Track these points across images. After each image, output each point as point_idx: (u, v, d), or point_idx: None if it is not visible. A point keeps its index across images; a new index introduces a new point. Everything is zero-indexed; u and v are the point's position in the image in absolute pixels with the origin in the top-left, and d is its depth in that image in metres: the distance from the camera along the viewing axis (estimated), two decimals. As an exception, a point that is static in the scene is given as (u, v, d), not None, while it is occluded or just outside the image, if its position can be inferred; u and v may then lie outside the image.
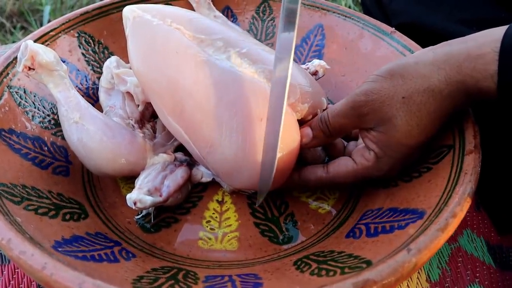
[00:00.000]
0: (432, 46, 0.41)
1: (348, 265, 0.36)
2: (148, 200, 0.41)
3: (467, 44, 0.37)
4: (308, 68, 0.52)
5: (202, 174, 0.47)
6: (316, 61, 0.52)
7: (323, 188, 0.49)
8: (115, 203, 0.48)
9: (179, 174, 0.45)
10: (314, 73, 0.52)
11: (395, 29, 0.56)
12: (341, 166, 0.43)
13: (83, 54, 0.58)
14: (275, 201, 0.48)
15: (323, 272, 0.36)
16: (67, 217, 0.42)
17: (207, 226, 0.46)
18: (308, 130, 0.44)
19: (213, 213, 0.47)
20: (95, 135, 0.44)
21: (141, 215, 0.46)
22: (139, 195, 0.41)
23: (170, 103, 0.43)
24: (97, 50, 0.59)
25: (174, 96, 0.43)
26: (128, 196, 0.41)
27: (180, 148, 0.50)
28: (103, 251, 0.39)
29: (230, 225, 0.46)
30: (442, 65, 0.37)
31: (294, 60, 0.52)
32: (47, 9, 1.23)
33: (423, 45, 0.53)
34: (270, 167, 0.40)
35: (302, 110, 0.44)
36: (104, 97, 0.52)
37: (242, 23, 0.63)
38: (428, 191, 0.40)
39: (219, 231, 0.46)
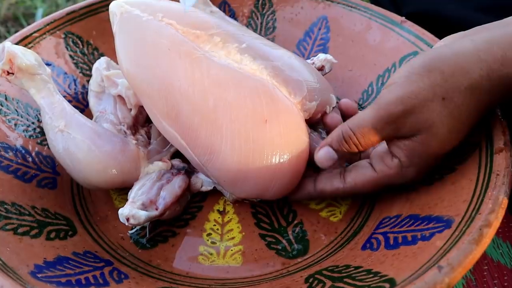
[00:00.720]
0: (463, 32, 0.36)
1: (368, 283, 0.31)
2: (143, 215, 0.36)
3: (509, 27, 0.32)
4: (313, 63, 0.47)
5: (202, 182, 0.43)
6: (322, 55, 0.48)
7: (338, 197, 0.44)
8: (107, 217, 0.43)
9: (177, 184, 0.41)
10: (320, 68, 0.47)
11: (406, 18, 0.51)
12: (359, 175, 0.38)
13: (71, 56, 0.53)
14: (282, 210, 0.43)
15: (340, 293, 0.31)
16: (52, 235, 0.37)
17: (208, 240, 0.41)
18: (330, 152, 0.37)
19: (214, 225, 0.43)
20: (82, 144, 0.40)
21: (135, 229, 0.42)
22: (132, 210, 0.36)
23: (164, 106, 0.38)
24: (86, 51, 0.54)
25: (168, 98, 0.38)
26: (120, 211, 0.37)
27: (178, 154, 0.46)
28: (92, 273, 0.34)
29: (233, 238, 0.41)
30: (483, 55, 0.32)
31: (297, 55, 0.47)
32: (40, 12, 1.18)
33: (438, 35, 0.48)
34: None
35: (310, 108, 0.40)
36: (94, 101, 0.48)
37: (240, 18, 0.59)
38: (454, 196, 0.35)
39: (221, 245, 0.41)
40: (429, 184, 0.39)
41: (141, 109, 0.46)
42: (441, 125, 0.33)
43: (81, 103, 0.52)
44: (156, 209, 0.38)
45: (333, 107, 0.43)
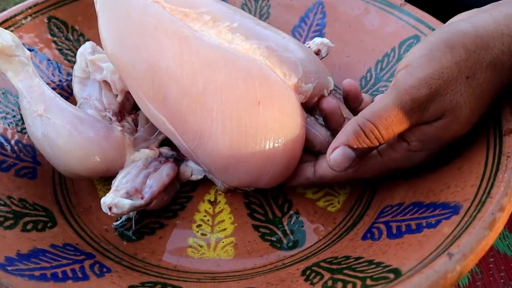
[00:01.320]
0: (478, 9, 0.33)
1: (370, 275, 0.28)
2: (126, 204, 0.33)
3: None
4: (309, 47, 0.45)
5: (192, 170, 0.40)
6: (318, 39, 0.45)
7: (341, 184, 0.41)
8: (90, 208, 0.40)
9: (164, 172, 0.38)
10: (317, 53, 0.44)
11: (405, 1, 0.49)
12: (365, 159, 0.35)
13: (54, 42, 0.50)
14: (277, 199, 0.41)
15: (340, 285, 0.28)
16: (29, 226, 0.34)
17: (198, 231, 0.38)
18: (347, 152, 0.32)
19: (205, 216, 0.40)
20: (62, 130, 0.37)
21: (120, 221, 0.39)
22: (115, 199, 0.33)
23: (150, 88, 0.36)
24: (71, 37, 0.51)
25: (154, 79, 0.35)
26: (102, 200, 0.34)
27: (166, 142, 0.43)
28: (70, 266, 0.31)
29: (224, 229, 0.39)
30: (505, 30, 0.29)
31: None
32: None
33: (440, 19, 0.45)
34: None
35: (306, 91, 0.37)
36: (78, 88, 0.45)
37: (233, 3, 0.56)
38: (461, 181, 0.32)
39: (212, 237, 0.38)
40: (432, 170, 0.37)
41: (128, 95, 0.43)
42: (464, 106, 0.30)
43: (65, 91, 0.49)
44: (142, 198, 0.35)
45: (330, 91, 0.40)
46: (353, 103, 0.39)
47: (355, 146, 0.32)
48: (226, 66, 0.35)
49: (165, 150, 0.41)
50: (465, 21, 0.31)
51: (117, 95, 0.42)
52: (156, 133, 0.42)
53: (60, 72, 0.50)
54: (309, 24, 0.54)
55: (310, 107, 0.40)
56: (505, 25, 0.29)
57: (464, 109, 0.30)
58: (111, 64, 0.41)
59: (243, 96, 0.34)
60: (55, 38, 0.50)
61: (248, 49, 0.36)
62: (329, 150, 0.33)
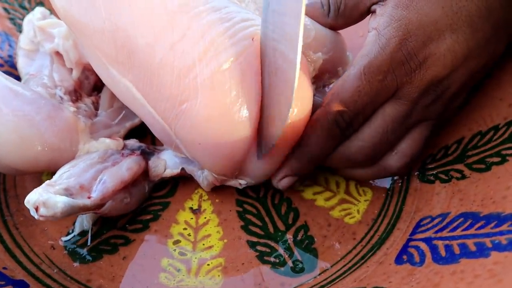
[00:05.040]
0: None
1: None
2: (60, 202, 0.23)
3: None
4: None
5: (165, 164, 0.30)
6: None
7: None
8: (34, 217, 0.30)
9: (125, 166, 0.28)
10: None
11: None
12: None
13: (5, 9, 0.40)
14: (279, 207, 0.31)
15: None
16: None
17: (175, 250, 0.29)
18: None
19: (185, 229, 0.30)
20: (-11, 107, 0.27)
21: (71, 235, 0.29)
22: (44, 194, 0.23)
23: (112, 46, 0.26)
24: (26, 5, 0.41)
25: (116, 35, 0.26)
26: (27, 197, 0.24)
27: (135, 132, 0.33)
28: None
29: (210, 247, 0.29)
30: None
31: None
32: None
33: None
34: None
35: (315, 62, 0.28)
36: (23, 62, 0.35)
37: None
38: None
39: (193, 257, 0.28)
40: (483, 170, 0.27)
41: (86, 72, 0.33)
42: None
43: (16, 69, 0.39)
44: (89, 198, 0.25)
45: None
46: None
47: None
48: (209, 9, 0.25)
49: (131, 142, 0.30)
50: None
51: (72, 70, 0.32)
52: (121, 116, 0.32)
53: (10, 46, 0.40)
54: None
55: (318, 85, 0.31)
56: None
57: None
58: (64, 29, 0.31)
59: (236, 44, 0.25)
60: (6, 5, 0.41)
61: (241, 1, 0.27)
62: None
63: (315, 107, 0.27)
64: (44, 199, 0.23)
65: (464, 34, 0.25)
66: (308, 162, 0.28)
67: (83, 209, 0.24)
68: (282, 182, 0.29)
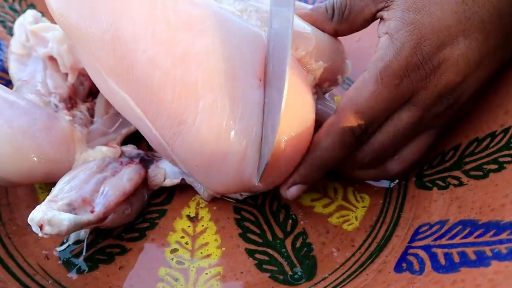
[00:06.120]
0: None
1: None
2: (65, 220, 0.23)
3: None
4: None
5: (165, 173, 0.29)
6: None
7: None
8: (27, 226, 0.29)
9: (126, 176, 0.27)
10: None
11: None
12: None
13: (-5, 12, 0.39)
14: (277, 215, 0.30)
15: None
16: None
17: (173, 259, 0.28)
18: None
19: (182, 237, 0.29)
20: (-18, 117, 0.26)
21: (66, 244, 0.28)
22: (48, 213, 0.23)
23: (111, 57, 0.25)
24: (17, 7, 0.40)
25: (116, 45, 0.25)
26: (31, 215, 0.23)
27: (132, 138, 0.32)
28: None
29: (208, 256, 0.28)
30: None
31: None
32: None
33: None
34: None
35: (316, 70, 0.27)
36: (15, 67, 0.34)
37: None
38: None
39: (191, 266, 0.28)
40: (481, 176, 0.27)
41: (81, 78, 0.33)
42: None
43: (7, 73, 0.38)
44: (92, 212, 0.24)
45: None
46: None
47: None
48: (214, 27, 0.25)
49: (129, 148, 0.30)
50: None
51: (67, 75, 0.32)
52: (118, 123, 0.31)
53: (1, 50, 0.38)
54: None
55: (318, 93, 0.31)
56: None
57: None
58: (58, 32, 0.30)
59: (240, 69, 0.25)
60: (-4, 8, 0.39)
61: (243, 12, 0.26)
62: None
63: (317, 116, 0.27)
64: (49, 217, 0.22)
65: (477, 40, 0.25)
66: (318, 170, 0.27)
67: (88, 225, 0.24)
68: (291, 191, 0.27)
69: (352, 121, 0.25)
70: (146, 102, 0.25)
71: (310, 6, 0.31)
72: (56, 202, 0.24)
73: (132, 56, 0.25)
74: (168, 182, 0.29)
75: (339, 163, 0.27)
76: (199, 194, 0.30)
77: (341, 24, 0.28)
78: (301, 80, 0.26)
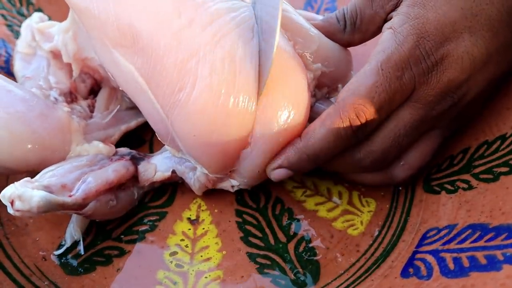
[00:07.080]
0: None
1: None
2: (36, 196, 0.22)
3: None
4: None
5: (156, 168, 0.29)
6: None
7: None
8: (26, 226, 0.29)
9: (111, 168, 0.27)
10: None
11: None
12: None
13: (2, 16, 0.40)
14: (280, 218, 0.30)
15: None
16: None
17: (172, 262, 0.27)
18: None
19: (182, 240, 0.28)
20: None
21: (64, 248, 0.27)
22: (20, 188, 0.22)
23: (115, 27, 0.25)
24: (24, 12, 0.41)
25: (120, 18, 0.25)
26: (3, 191, 0.23)
27: (127, 138, 0.32)
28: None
29: (208, 259, 0.28)
30: None
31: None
32: None
33: None
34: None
35: (314, 71, 0.27)
36: (20, 65, 0.34)
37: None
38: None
39: (190, 270, 0.27)
40: (493, 180, 0.27)
41: (83, 75, 0.33)
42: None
43: (12, 75, 0.38)
44: (70, 196, 0.24)
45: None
46: None
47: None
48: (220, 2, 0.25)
49: (123, 149, 0.30)
50: None
51: (70, 73, 0.32)
52: (117, 119, 0.31)
53: (7, 52, 0.39)
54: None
55: (318, 95, 0.30)
56: None
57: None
58: (64, 23, 0.31)
59: (242, 35, 0.25)
60: (4, 11, 0.40)
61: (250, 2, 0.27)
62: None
63: (316, 113, 0.26)
64: (19, 192, 0.22)
65: (484, 38, 0.24)
66: (308, 160, 0.25)
67: (63, 207, 0.23)
68: (275, 173, 0.26)
69: (350, 112, 0.24)
70: (149, 71, 0.25)
71: (320, 17, 0.31)
72: (32, 183, 0.23)
73: (136, 27, 0.25)
74: (159, 176, 0.28)
75: (339, 164, 0.26)
76: (189, 185, 0.29)
77: (354, 35, 0.28)
78: (297, 63, 0.26)
